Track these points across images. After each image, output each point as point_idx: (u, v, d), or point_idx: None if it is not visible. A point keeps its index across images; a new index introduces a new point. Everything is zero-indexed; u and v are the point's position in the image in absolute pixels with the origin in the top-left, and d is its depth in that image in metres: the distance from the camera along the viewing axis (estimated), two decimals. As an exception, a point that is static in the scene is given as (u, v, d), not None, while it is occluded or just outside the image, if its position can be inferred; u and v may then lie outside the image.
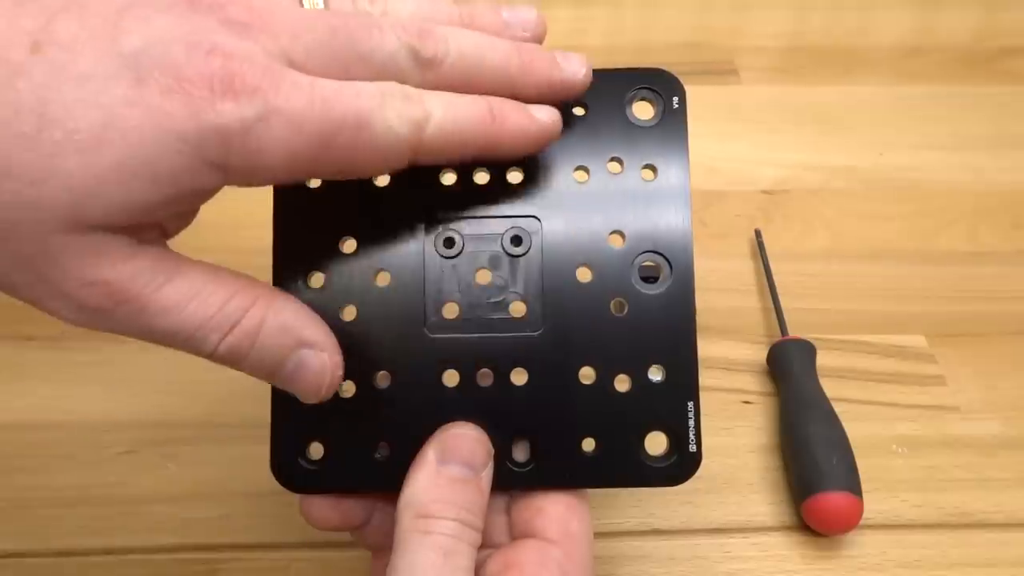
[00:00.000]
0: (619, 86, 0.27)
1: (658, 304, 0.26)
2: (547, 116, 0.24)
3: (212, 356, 0.22)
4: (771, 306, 0.41)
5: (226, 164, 0.20)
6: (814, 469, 0.34)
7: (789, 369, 0.38)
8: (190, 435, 0.37)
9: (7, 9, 0.19)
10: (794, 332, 0.40)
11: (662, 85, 0.27)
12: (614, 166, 0.26)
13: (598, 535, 0.33)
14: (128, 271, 0.20)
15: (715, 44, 0.57)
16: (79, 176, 0.19)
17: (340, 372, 0.24)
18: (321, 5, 0.23)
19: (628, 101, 0.27)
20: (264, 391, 0.26)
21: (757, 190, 0.48)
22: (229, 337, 0.21)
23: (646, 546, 0.34)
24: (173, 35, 0.19)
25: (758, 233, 0.45)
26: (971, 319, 0.42)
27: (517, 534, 0.26)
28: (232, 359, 0.22)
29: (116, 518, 0.34)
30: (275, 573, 0.33)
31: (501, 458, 0.26)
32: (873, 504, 0.35)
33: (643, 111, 0.27)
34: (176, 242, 0.23)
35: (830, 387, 0.37)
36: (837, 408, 0.36)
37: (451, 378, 0.26)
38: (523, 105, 0.24)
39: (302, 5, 0.23)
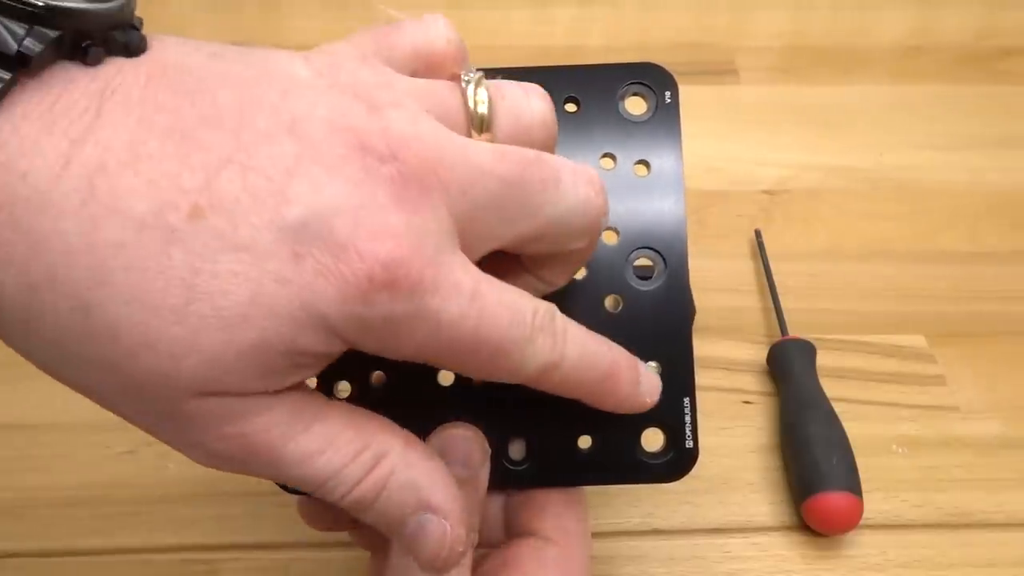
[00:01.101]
0: (611, 81, 0.26)
1: (653, 300, 0.26)
2: (651, 398, 0.24)
3: (338, 503, 0.21)
4: (771, 306, 0.41)
5: (359, 342, 0.19)
6: (814, 469, 0.34)
7: (789, 369, 0.38)
8: (190, 435, 0.37)
9: (167, 161, 0.17)
10: (794, 332, 0.40)
11: (654, 80, 0.26)
12: (607, 162, 0.26)
13: (597, 535, 0.33)
14: (264, 423, 0.19)
15: (715, 44, 0.57)
16: (219, 352, 0.18)
17: (461, 548, 0.22)
18: (485, 109, 0.21)
19: (620, 96, 0.26)
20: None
21: (757, 190, 0.48)
22: (355, 490, 0.21)
23: (645, 546, 0.34)
24: (341, 206, 0.18)
25: (758, 233, 0.45)
26: (971, 319, 0.42)
27: (514, 533, 0.26)
28: (356, 509, 0.21)
29: (116, 518, 0.34)
30: (275, 573, 0.33)
31: (497, 457, 0.26)
32: (873, 504, 0.35)
33: (635, 106, 0.27)
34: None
35: (830, 387, 0.37)
36: (837, 408, 0.36)
37: (446, 377, 0.26)
38: (637, 367, 0.23)
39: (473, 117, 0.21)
